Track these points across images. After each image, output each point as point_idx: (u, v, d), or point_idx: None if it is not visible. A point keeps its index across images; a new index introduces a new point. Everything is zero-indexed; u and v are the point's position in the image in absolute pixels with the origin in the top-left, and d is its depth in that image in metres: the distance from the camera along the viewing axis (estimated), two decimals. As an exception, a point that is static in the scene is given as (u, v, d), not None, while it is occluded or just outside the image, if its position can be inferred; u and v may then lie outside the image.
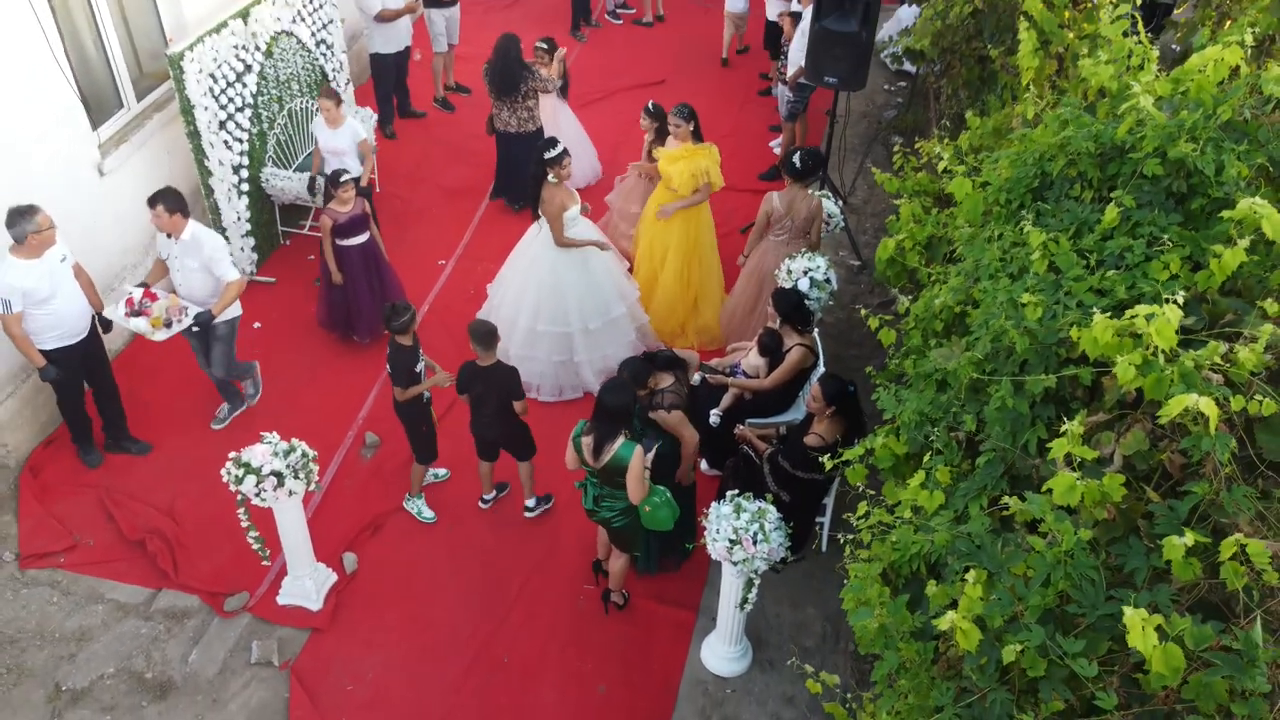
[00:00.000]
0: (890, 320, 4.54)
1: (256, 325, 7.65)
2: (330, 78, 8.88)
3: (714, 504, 4.97)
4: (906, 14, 10.58)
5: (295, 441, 5.21)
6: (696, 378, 6.08)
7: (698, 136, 7.39)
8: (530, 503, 6.34)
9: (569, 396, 7.14)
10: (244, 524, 5.24)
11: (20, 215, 5.56)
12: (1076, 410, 3.07)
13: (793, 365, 6.10)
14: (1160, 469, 2.89)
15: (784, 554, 4.89)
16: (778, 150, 9.84)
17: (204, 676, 5.40)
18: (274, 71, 7.96)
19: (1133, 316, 2.79)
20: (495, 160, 8.97)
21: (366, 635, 5.66)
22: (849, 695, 3.86)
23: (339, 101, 7.59)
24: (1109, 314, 2.93)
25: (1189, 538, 2.48)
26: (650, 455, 5.19)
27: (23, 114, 6.14)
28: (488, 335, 5.64)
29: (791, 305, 6.15)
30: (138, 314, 6.11)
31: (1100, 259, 3.49)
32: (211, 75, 7.18)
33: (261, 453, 5.09)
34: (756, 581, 5.01)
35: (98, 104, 7.02)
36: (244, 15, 7.45)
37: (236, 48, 7.42)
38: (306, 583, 5.70)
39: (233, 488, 5.10)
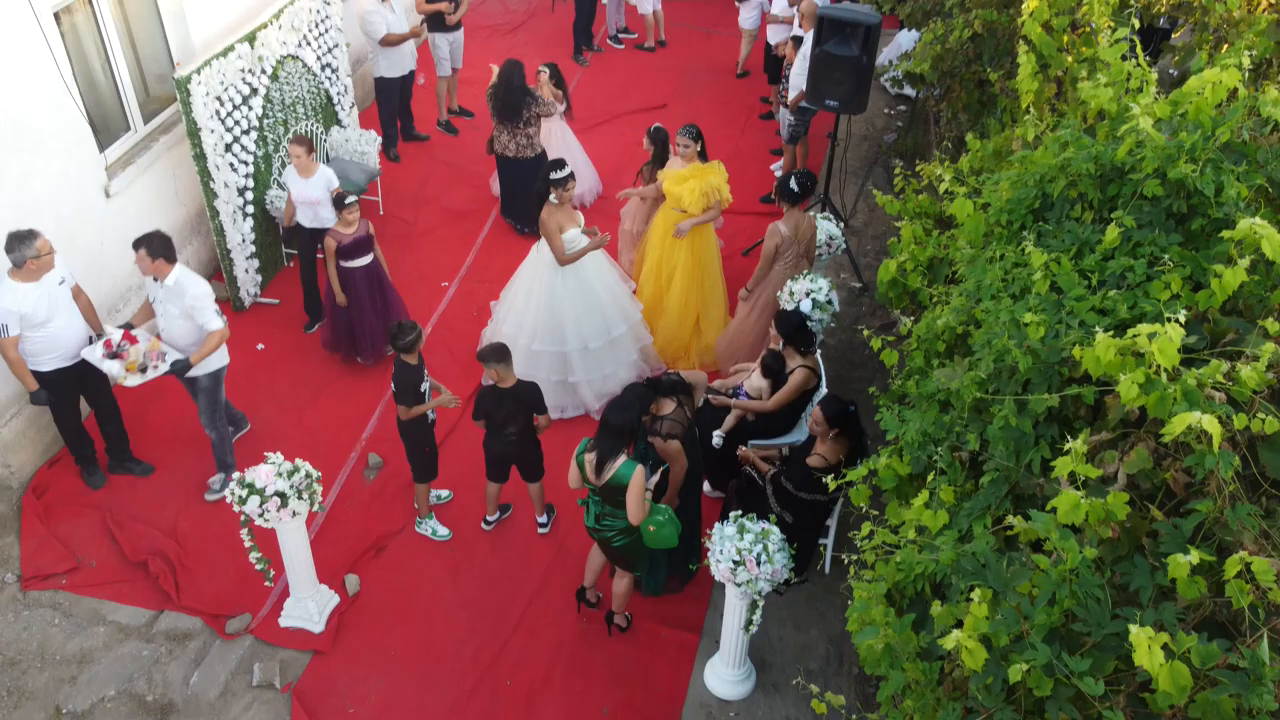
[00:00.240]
0: (892, 341, 4.55)
1: (260, 347, 7.68)
2: (335, 101, 8.96)
3: (717, 525, 4.97)
4: (906, 39, 10.67)
5: (299, 462, 5.21)
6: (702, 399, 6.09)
7: (703, 157, 7.43)
8: (542, 519, 6.38)
9: (570, 415, 7.15)
10: (247, 544, 5.24)
11: (19, 240, 5.58)
12: (1080, 429, 3.08)
13: (795, 387, 6.11)
14: (1164, 487, 2.90)
15: (787, 575, 4.89)
16: (779, 173, 9.90)
17: (205, 699, 5.38)
18: (280, 95, 8.03)
19: (1135, 335, 2.81)
20: (498, 182, 9.03)
21: (369, 658, 5.64)
22: (854, 717, 3.85)
23: (310, 149, 7.18)
24: (1111, 333, 2.94)
25: (1194, 556, 2.48)
26: (655, 478, 5.20)
27: (31, 136, 6.19)
28: (504, 352, 5.67)
29: (794, 327, 6.17)
30: (114, 356, 5.92)
31: (1102, 279, 3.51)
32: (218, 98, 7.24)
33: (265, 473, 5.10)
34: (760, 603, 5.00)
35: (105, 126, 7.08)
36: (251, 39, 7.52)
37: (243, 71, 7.49)
38: (309, 604, 5.69)
39: (236, 508, 5.10)
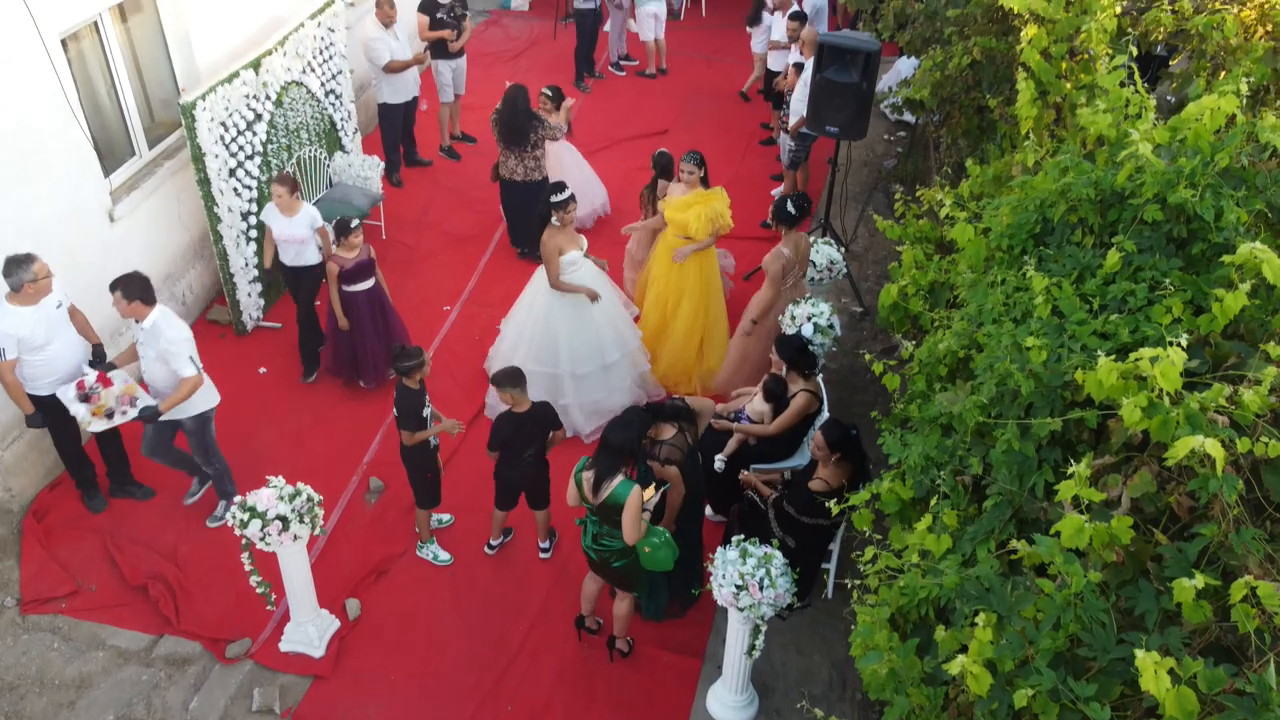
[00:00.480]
0: (894, 365, 4.56)
1: (262, 370, 7.68)
2: (339, 127, 9.02)
3: (720, 549, 4.95)
4: (905, 65, 10.76)
5: (301, 485, 5.21)
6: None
7: (705, 183, 7.48)
8: (544, 544, 6.38)
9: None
10: (248, 568, 5.22)
11: (17, 264, 5.60)
12: (1083, 453, 3.09)
13: (797, 411, 6.11)
14: (1168, 511, 2.90)
15: (790, 600, 4.87)
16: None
17: (204, 724, 5.35)
18: (284, 120, 8.09)
19: (1137, 359, 2.82)
20: (500, 208, 9.06)
21: (369, 683, 5.61)
22: (858, 743, 3.83)
23: (294, 188, 7.04)
24: (1113, 357, 2.95)
25: (1199, 580, 2.48)
26: (656, 497, 5.18)
27: (37, 160, 6.23)
28: (519, 376, 5.69)
29: (795, 350, 6.18)
30: (85, 399, 5.81)
31: (1103, 303, 3.52)
32: (222, 124, 7.30)
33: (267, 496, 5.09)
34: (763, 628, 4.98)
35: (110, 151, 7.13)
36: (255, 65, 7.59)
37: (247, 97, 7.55)
38: (309, 629, 5.66)
39: (237, 531, 5.09)
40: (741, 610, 4.83)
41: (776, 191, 10.17)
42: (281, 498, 5.10)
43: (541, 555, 6.38)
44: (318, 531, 5.30)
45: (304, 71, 8.30)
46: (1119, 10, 5.50)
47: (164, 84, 7.61)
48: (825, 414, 6.28)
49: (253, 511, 5.05)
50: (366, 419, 7.31)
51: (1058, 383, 3.27)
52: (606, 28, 12.72)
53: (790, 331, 6.58)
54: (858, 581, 3.72)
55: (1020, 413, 3.38)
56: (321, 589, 5.76)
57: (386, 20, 9.14)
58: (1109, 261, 3.56)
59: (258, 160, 7.75)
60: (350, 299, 7.09)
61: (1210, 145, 3.70)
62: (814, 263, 7.24)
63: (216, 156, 7.27)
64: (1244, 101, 3.91)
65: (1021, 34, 5.38)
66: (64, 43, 6.44)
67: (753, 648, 5.06)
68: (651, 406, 5.72)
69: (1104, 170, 3.96)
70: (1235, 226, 3.50)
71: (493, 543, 6.39)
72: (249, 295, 7.93)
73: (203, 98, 7.04)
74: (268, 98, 7.80)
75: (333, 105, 8.87)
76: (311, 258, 7.29)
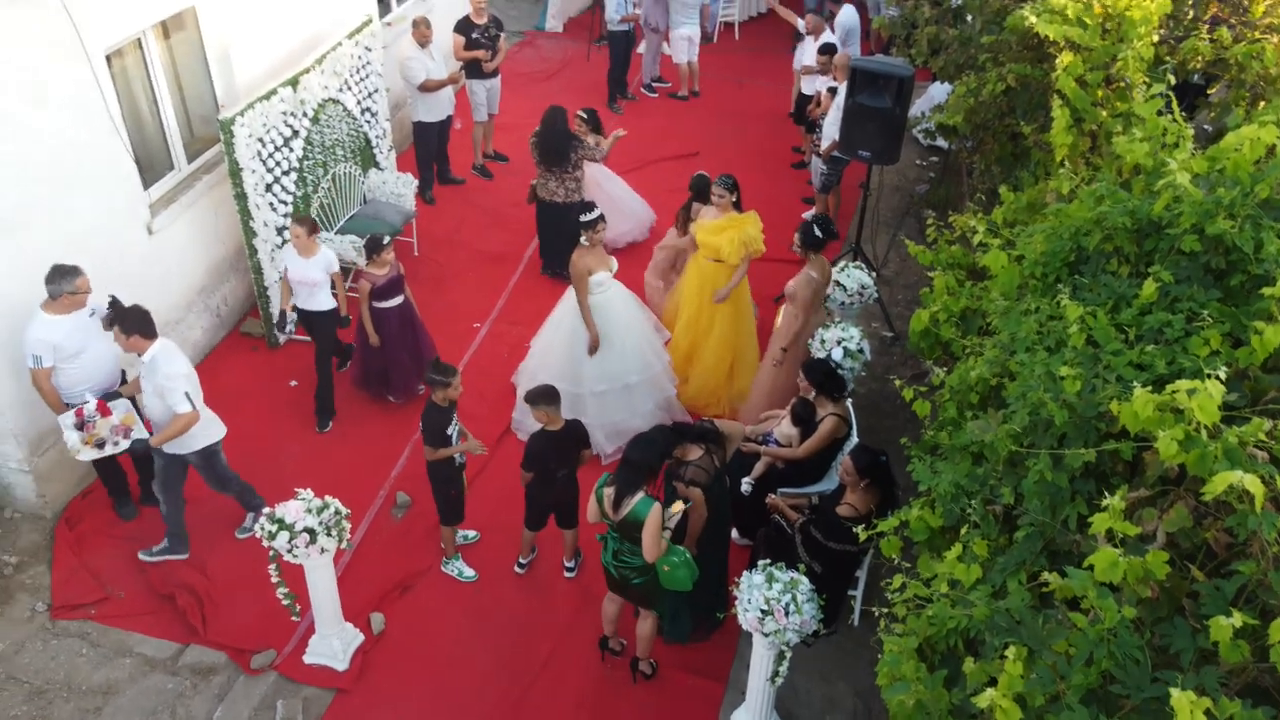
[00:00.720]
0: (925, 392, 4.53)
1: (293, 383, 7.75)
2: (374, 144, 9.12)
3: (745, 573, 4.92)
4: (939, 91, 10.73)
5: (329, 499, 5.24)
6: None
7: (738, 207, 7.49)
8: (570, 564, 6.38)
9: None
10: (274, 579, 5.25)
11: (62, 274, 5.71)
12: (1117, 485, 3.05)
13: (825, 435, 6.08)
14: (1205, 547, 2.84)
15: (816, 626, 4.83)
16: (810, 222, 9.94)
17: (227, 735, 5.37)
18: (320, 137, 8.20)
19: (1174, 391, 2.78)
20: (535, 228, 9.11)
21: (392, 697, 5.61)
22: (882, 774, 3.78)
23: (312, 229, 6.89)
24: (1149, 389, 2.92)
25: (1236, 619, 2.43)
26: (676, 517, 5.17)
27: (79, 172, 6.36)
28: (553, 394, 5.71)
29: (823, 374, 6.15)
30: (81, 427, 5.76)
31: (1139, 334, 3.48)
32: (260, 140, 7.41)
33: (295, 509, 5.13)
34: (788, 654, 4.93)
35: (150, 165, 7.25)
36: (293, 83, 7.70)
37: (285, 114, 7.66)
38: (334, 642, 5.68)
39: (265, 543, 5.12)
40: (766, 636, 4.80)
41: (808, 214, 10.15)
42: (309, 510, 5.13)
43: (566, 574, 6.37)
44: (344, 545, 5.32)
45: (341, 89, 8.41)
46: (1156, 39, 5.47)
47: (204, 100, 7.74)
48: (854, 439, 6.25)
49: (281, 523, 5.09)
50: (394, 434, 7.34)
51: (1092, 413, 3.23)
52: (640, 50, 12.80)
53: (820, 355, 6.56)
54: (885, 610, 3.68)
55: (1053, 443, 3.34)
56: (346, 602, 5.78)
57: (423, 40, 9.25)
58: (1145, 291, 3.52)
59: (294, 176, 7.85)
60: (381, 315, 7.15)
61: (1250, 176, 3.66)
62: (844, 287, 7.21)
63: (253, 172, 7.37)
64: (1284, 132, 3.86)
65: (1057, 61, 5.36)
66: (108, 58, 6.57)
67: (776, 674, 5.02)
68: (678, 427, 5.72)
69: (1140, 199, 3.92)
70: (1275, 259, 3.45)
71: (522, 561, 6.39)
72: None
73: (241, 114, 7.16)
74: (305, 114, 7.91)
75: (368, 123, 8.98)
76: (324, 303, 7.12)
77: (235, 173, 7.26)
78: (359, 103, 8.75)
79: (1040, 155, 6.20)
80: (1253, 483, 2.51)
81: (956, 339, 4.98)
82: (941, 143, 10.25)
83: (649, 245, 9.25)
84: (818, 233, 6.97)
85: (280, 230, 7.81)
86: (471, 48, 9.88)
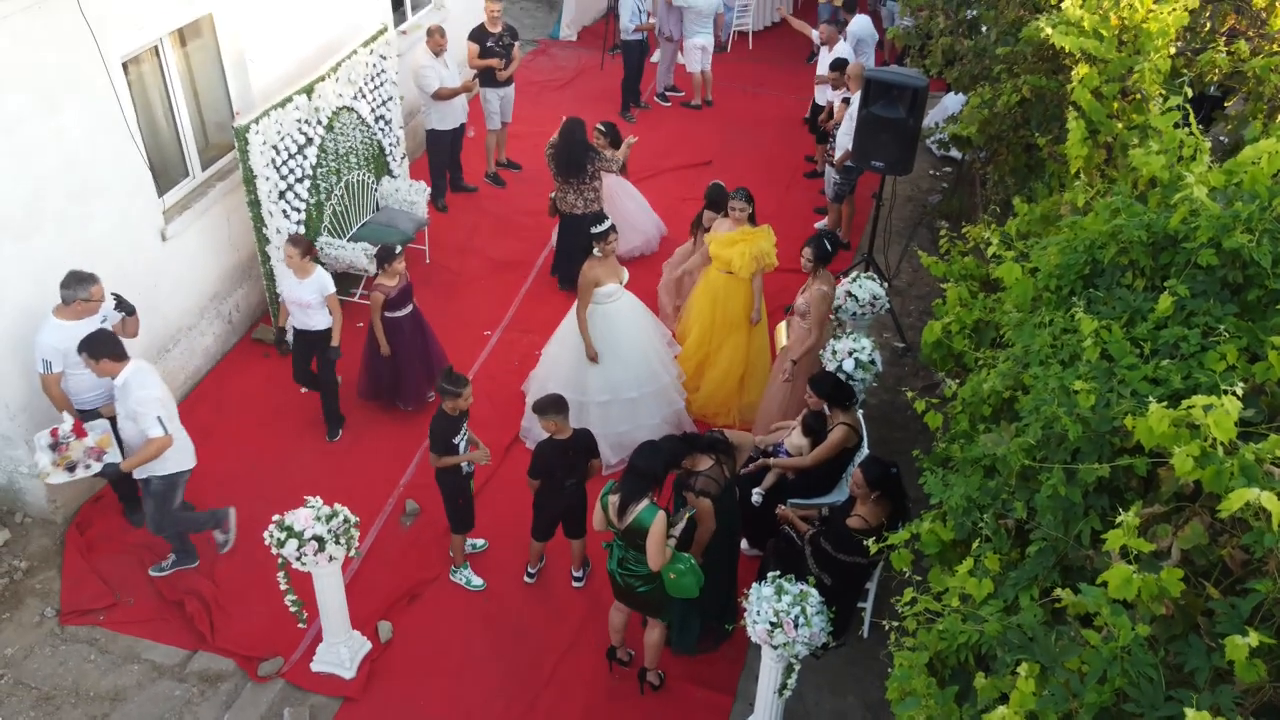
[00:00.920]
0: (937, 404, 4.50)
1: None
2: (387, 152, 9.15)
3: (755, 585, 4.89)
4: (952, 101, 10.71)
5: (338, 507, 5.24)
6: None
7: (752, 221, 7.48)
8: (578, 573, 6.37)
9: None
10: (283, 587, 5.25)
11: (78, 281, 5.73)
12: (1131, 501, 3.01)
13: (835, 444, 6.05)
14: (1220, 565, 2.81)
15: (825, 639, 4.79)
16: (823, 232, 9.92)
17: (234, 742, 5.37)
18: (334, 145, 8.23)
19: (1190, 407, 2.75)
20: (549, 237, 9.10)
21: (398, 706, 5.60)
22: (892, 789, 3.73)
23: (306, 250, 6.73)
24: (1165, 404, 2.88)
25: (1253, 638, 2.39)
26: (681, 525, 5.15)
27: (94, 178, 6.39)
28: (561, 403, 5.71)
29: (831, 386, 6.12)
30: (55, 447, 5.62)
31: (1154, 348, 3.45)
32: (274, 147, 7.44)
33: (304, 516, 5.13)
34: (797, 667, 4.90)
35: (164, 171, 7.29)
36: (308, 91, 7.74)
37: (299, 121, 7.69)
38: (341, 650, 5.67)
39: (274, 550, 5.12)
40: (775, 648, 4.76)
41: (820, 224, 10.14)
42: (318, 518, 5.13)
43: (575, 584, 6.35)
44: (353, 553, 5.32)
45: (355, 97, 8.44)
46: (1173, 51, 5.44)
47: (219, 107, 7.78)
48: (865, 450, 6.21)
49: (290, 531, 5.09)
50: (404, 441, 7.34)
51: (1106, 428, 3.20)
52: (653, 59, 12.82)
53: (831, 366, 6.53)
54: (895, 623, 3.65)
55: (1067, 457, 3.31)
56: (354, 610, 5.78)
57: (437, 49, 9.28)
58: (1161, 305, 3.48)
59: (307, 183, 7.88)
60: (393, 324, 7.17)
61: (1268, 190, 3.62)
62: (856, 297, 7.19)
63: (267, 179, 7.40)
64: (1303, 146, 3.82)
65: (1073, 73, 5.33)
66: (125, 66, 6.62)
67: (785, 686, 4.98)
68: (688, 437, 5.69)
69: (1157, 212, 3.89)
70: (1293, 273, 3.41)
71: (531, 570, 6.38)
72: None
73: (256, 121, 7.19)
74: (319, 122, 7.94)
75: (382, 131, 9.01)
76: (320, 322, 6.97)
77: (249, 180, 7.29)
78: (373, 110, 8.78)
79: (1055, 167, 6.17)
80: (1270, 500, 2.48)
81: (969, 351, 4.95)
82: (955, 153, 10.22)
83: (656, 259, 9.25)
84: (828, 246, 6.96)
85: (293, 237, 7.84)
86: (486, 56, 9.91)
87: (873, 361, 6.59)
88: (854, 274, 7.49)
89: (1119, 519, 2.78)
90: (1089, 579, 2.95)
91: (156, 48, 6.98)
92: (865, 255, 8.63)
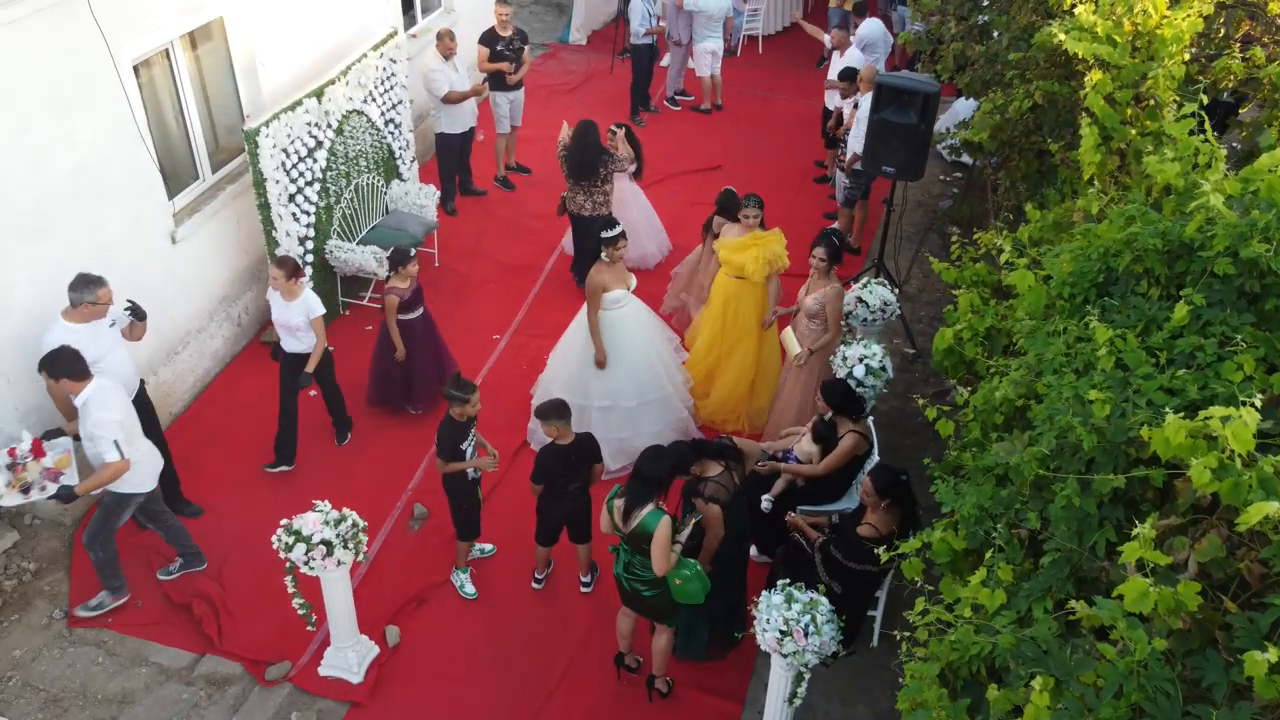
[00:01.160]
0: (948, 411, 4.47)
1: (312, 393, 7.75)
2: (397, 155, 9.15)
3: (764, 593, 4.86)
4: (964, 107, 10.67)
5: (346, 511, 5.23)
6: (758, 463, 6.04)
7: (762, 225, 7.46)
8: (586, 579, 6.34)
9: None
10: (290, 590, 5.24)
11: (87, 283, 5.72)
12: (1147, 513, 2.97)
13: (845, 452, 6.02)
14: (1238, 578, 2.77)
15: (835, 648, 4.76)
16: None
17: (241, 747, 5.36)
18: (344, 148, 8.23)
19: (1207, 418, 2.71)
20: (558, 241, 9.10)
21: (405, 711, 5.58)
22: (902, 801, 3.70)
23: (292, 272, 6.49)
24: (1181, 414, 2.85)
25: (1272, 653, 2.36)
26: (687, 531, 5.13)
27: (105, 180, 6.40)
28: (564, 409, 5.70)
29: (840, 395, 6.09)
30: (11, 466, 5.49)
31: (1170, 358, 3.41)
32: (284, 150, 7.44)
33: (313, 521, 5.12)
34: (807, 675, 4.87)
35: (174, 174, 7.30)
36: (318, 94, 7.74)
37: (309, 125, 7.69)
38: (349, 655, 5.66)
39: (282, 555, 5.11)
40: (785, 657, 4.73)
41: (831, 229, 10.11)
42: (327, 522, 5.13)
43: (583, 590, 6.33)
44: (361, 558, 5.31)
45: (365, 101, 8.44)
46: (1187, 57, 5.40)
47: (229, 110, 7.79)
48: (875, 457, 6.18)
49: (298, 535, 5.08)
50: (413, 445, 7.33)
51: (1121, 438, 3.17)
52: (663, 63, 12.80)
53: (842, 373, 6.50)
54: (906, 634, 3.61)
55: (1081, 467, 3.27)
56: (362, 615, 5.76)
57: (447, 52, 9.28)
58: (1177, 314, 3.45)
59: (317, 186, 7.88)
60: (408, 327, 7.19)
61: (1284, 198, 3.59)
62: (867, 303, 7.16)
63: (277, 182, 7.41)
64: (1320, 153, 3.78)
65: (1086, 79, 5.30)
66: (136, 69, 6.63)
67: (794, 695, 4.95)
68: (697, 443, 5.67)
69: (1172, 220, 3.86)
70: (1311, 283, 3.38)
71: (538, 576, 6.36)
72: (303, 319, 8.03)
73: (266, 124, 7.20)
74: (329, 125, 7.94)
75: (392, 134, 9.01)
76: (308, 346, 6.73)
77: (259, 183, 7.30)
78: (383, 114, 8.78)
79: (1067, 173, 6.13)
80: (1289, 514, 2.45)
81: (981, 358, 4.91)
82: (966, 159, 10.19)
83: (659, 271, 9.23)
84: (839, 245, 6.96)
85: (303, 241, 7.84)
86: (496, 60, 9.91)
87: (883, 368, 6.56)
88: (864, 279, 7.46)
89: (1135, 531, 2.75)
90: (1104, 591, 2.91)
91: (167, 51, 6.99)
92: (876, 261, 8.60)
